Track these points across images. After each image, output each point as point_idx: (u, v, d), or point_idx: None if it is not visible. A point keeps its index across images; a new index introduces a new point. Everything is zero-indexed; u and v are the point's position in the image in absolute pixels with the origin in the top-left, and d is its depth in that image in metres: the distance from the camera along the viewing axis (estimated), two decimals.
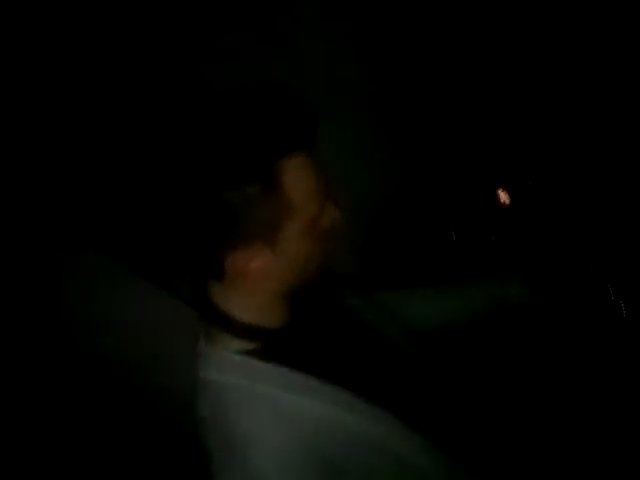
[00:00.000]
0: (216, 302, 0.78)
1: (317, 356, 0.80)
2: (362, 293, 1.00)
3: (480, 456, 0.91)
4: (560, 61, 1.48)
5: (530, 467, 1.12)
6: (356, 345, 0.88)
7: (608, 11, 1.39)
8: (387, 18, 1.57)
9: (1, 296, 1.15)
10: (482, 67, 1.56)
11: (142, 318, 1.22)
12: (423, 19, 1.57)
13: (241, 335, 0.76)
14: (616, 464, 1.14)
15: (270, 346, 0.77)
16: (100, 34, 1.20)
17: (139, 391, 1.28)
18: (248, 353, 0.76)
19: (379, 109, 1.59)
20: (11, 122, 1.11)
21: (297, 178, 0.69)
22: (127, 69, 1.20)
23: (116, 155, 1.10)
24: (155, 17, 1.25)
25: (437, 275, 1.43)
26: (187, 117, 0.73)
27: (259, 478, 0.70)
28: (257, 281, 0.75)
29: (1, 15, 1.11)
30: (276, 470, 0.70)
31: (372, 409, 0.78)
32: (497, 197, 1.38)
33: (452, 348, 1.18)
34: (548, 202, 1.39)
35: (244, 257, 0.71)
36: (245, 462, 0.70)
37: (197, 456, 0.76)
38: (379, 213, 1.60)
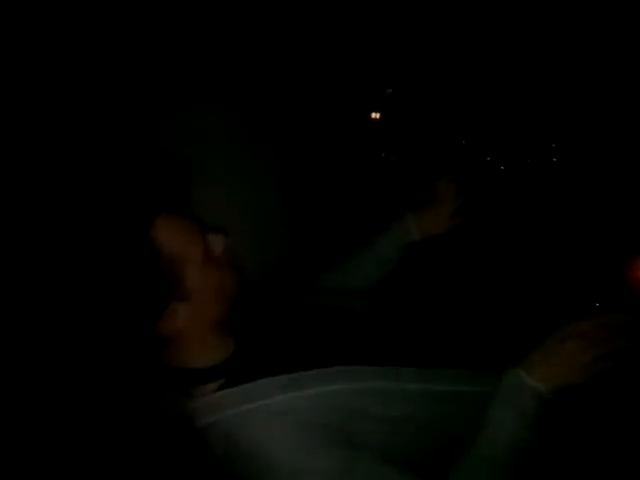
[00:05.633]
0: (173, 364, 0.85)
1: (284, 354, 0.87)
2: (290, 287, 1.08)
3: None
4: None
5: None
6: (311, 327, 0.93)
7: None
8: None
9: None
10: None
11: None
12: None
13: (209, 380, 0.83)
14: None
15: (239, 370, 0.84)
16: None
17: None
18: (225, 385, 0.82)
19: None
20: None
21: (166, 235, 0.79)
22: None
23: None
24: None
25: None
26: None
27: (292, 474, 0.76)
28: (191, 330, 0.82)
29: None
30: (302, 461, 0.76)
31: (361, 371, 0.85)
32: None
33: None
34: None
35: (168, 320, 0.79)
36: (274, 468, 0.76)
37: None
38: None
